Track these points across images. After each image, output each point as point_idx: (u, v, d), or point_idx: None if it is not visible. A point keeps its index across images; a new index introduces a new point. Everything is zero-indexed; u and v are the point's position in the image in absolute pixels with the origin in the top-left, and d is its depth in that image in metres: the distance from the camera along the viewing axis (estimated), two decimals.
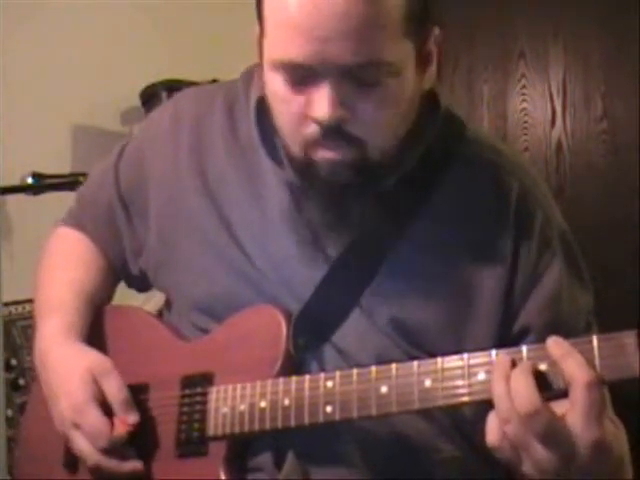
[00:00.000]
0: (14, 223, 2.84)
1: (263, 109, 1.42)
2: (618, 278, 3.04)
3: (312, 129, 1.30)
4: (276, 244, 1.42)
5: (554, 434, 1.12)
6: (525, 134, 3.30)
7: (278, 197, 1.43)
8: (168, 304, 1.61)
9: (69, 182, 2.56)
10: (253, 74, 1.48)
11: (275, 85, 1.32)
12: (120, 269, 1.65)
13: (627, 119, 3.17)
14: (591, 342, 1.14)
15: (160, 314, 1.66)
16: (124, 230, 1.60)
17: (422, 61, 1.34)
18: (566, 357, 1.13)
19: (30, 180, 2.54)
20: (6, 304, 2.55)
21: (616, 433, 1.23)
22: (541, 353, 1.16)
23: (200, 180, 1.49)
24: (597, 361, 1.13)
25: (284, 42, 1.27)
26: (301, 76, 1.28)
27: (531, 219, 1.40)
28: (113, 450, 1.40)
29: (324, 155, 1.31)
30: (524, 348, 1.18)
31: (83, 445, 1.41)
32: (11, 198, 2.72)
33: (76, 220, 1.68)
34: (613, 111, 3.20)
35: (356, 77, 1.27)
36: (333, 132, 1.29)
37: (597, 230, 3.06)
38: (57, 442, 1.49)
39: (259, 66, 1.38)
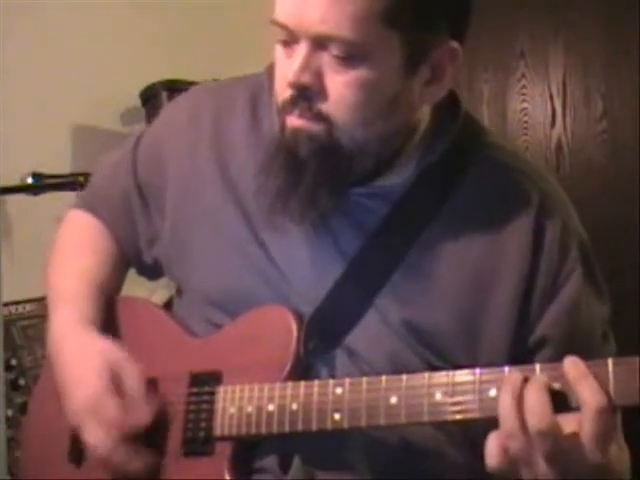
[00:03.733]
0: (14, 223, 2.84)
1: None
2: (618, 278, 3.04)
3: (287, 93, 1.32)
4: (296, 243, 1.41)
5: (560, 452, 1.12)
6: (525, 134, 3.30)
7: None
8: (179, 293, 1.60)
9: (69, 182, 2.56)
10: None
11: (276, 50, 1.35)
12: (133, 257, 1.64)
13: (627, 119, 3.16)
14: (607, 365, 1.13)
15: (166, 306, 1.65)
16: (139, 218, 1.60)
17: (415, 64, 1.32)
18: (581, 380, 1.13)
19: (30, 180, 2.55)
20: (6, 304, 2.55)
21: (619, 456, 1.23)
22: (555, 373, 1.16)
23: (221, 174, 1.49)
24: (612, 385, 1.12)
25: (278, 2, 1.31)
26: (288, 38, 1.31)
27: (551, 227, 1.39)
28: (125, 442, 1.39)
29: (291, 122, 1.33)
30: (537, 366, 1.18)
31: (97, 434, 1.39)
32: (11, 198, 2.72)
33: (90, 205, 1.67)
34: (613, 111, 3.19)
35: (329, 50, 1.28)
36: (301, 99, 1.31)
37: (597, 230, 3.05)
38: (61, 439, 1.49)
39: None
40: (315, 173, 1.33)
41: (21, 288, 2.43)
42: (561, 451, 1.12)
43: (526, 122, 3.30)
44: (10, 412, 2.56)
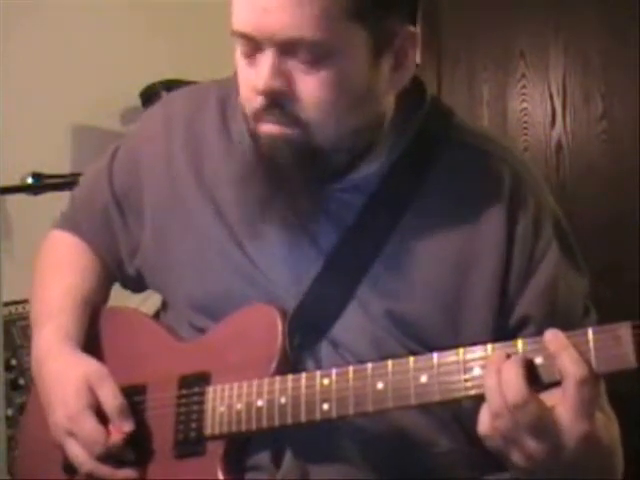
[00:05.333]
0: (14, 223, 2.84)
1: None
2: (618, 278, 3.04)
3: (258, 101, 1.32)
4: (273, 243, 1.42)
5: (543, 425, 1.13)
6: (525, 134, 3.29)
7: None
8: (165, 304, 1.60)
9: (69, 182, 2.55)
10: None
11: (237, 59, 1.34)
12: (116, 270, 1.64)
13: (627, 119, 3.16)
14: (586, 334, 1.15)
15: (157, 315, 1.65)
16: (119, 230, 1.60)
17: (380, 53, 1.32)
18: (561, 351, 1.14)
19: (30, 180, 2.55)
20: (6, 304, 2.55)
21: (606, 424, 1.25)
22: (536, 347, 1.17)
23: (196, 178, 1.49)
24: (592, 353, 1.14)
25: (237, 12, 1.30)
26: (251, 48, 1.31)
27: (524, 206, 1.40)
28: (108, 457, 1.40)
29: (265, 129, 1.33)
30: (519, 342, 1.19)
31: (78, 452, 1.42)
32: (11, 198, 2.72)
33: (70, 223, 1.68)
34: (613, 111, 3.19)
35: (296, 54, 1.28)
36: (273, 105, 1.30)
37: (597, 230, 3.06)
38: (55, 449, 1.48)
39: None
40: (295, 177, 1.33)
41: (21, 288, 2.42)
42: (545, 424, 1.13)
43: (526, 122, 3.29)
44: (10, 412, 2.56)
